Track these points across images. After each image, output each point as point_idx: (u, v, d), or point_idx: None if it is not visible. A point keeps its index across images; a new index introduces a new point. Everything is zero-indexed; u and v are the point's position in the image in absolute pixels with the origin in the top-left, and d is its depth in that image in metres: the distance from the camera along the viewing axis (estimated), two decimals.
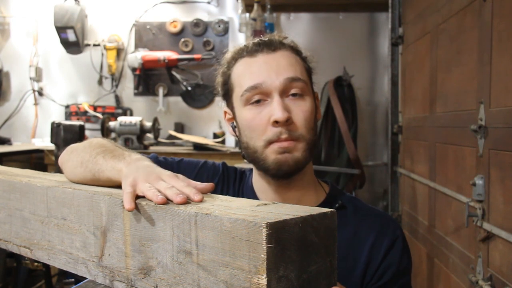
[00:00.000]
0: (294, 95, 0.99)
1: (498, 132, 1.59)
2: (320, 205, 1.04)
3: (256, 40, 1.05)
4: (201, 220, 0.63)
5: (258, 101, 0.99)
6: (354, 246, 1.00)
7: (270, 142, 0.98)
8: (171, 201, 0.70)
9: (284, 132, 0.97)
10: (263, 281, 0.56)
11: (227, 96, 1.07)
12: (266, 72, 0.99)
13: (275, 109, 0.96)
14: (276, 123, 0.96)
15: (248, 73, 1.01)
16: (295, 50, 1.05)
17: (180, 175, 0.77)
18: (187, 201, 0.70)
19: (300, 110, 0.99)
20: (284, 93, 0.98)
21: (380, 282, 0.98)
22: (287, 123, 0.97)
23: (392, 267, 0.99)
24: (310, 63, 1.08)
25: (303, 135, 0.98)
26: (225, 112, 1.11)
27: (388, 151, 3.19)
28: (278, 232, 0.57)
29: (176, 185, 0.74)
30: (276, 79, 0.98)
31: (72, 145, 1.03)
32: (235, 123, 1.07)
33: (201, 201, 0.70)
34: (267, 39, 1.04)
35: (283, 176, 1.01)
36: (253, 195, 1.08)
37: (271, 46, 1.02)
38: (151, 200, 0.71)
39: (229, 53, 1.08)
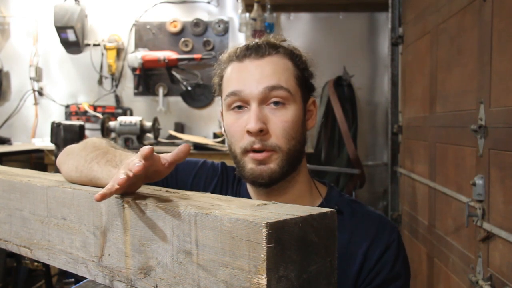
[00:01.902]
0: (276, 103, 0.98)
1: (498, 132, 1.59)
2: None
3: (248, 43, 1.04)
4: (201, 220, 0.63)
5: (240, 107, 1.00)
6: (349, 251, 0.99)
7: (246, 150, 0.99)
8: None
9: (257, 142, 0.97)
10: (263, 281, 0.56)
11: (221, 96, 1.09)
12: (247, 80, 0.99)
13: (249, 119, 0.97)
14: (249, 132, 0.97)
15: (232, 79, 1.02)
16: (289, 54, 1.03)
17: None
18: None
19: (279, 120, 0.98)
20: (263, 101, 0.98)
21: (371, 285, 0.97)
22: (261, 133, 0.96)
23: (384, 271, 0.97)
24: (310, 68, 1.06)
25: (279, 145, 0.98)
26: (221, 112, 1.11)
27: (388, 151, 3.19)
28: (278, 232, 0.57)
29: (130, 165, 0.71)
30: (255, 88, 0.98)
31: (69, 147, 1.03)
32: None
33: (139, 171, 0.68)
34: (260, 42, 1.03)
35: (260, 186, 1.01)
36: (248, 198, 1.08)
37: (259, 52, 1.01)
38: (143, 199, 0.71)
39: (224, 54, 1.08)
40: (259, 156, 0.97)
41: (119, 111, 3.83)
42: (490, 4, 1.65)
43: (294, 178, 1.03)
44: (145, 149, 0.71)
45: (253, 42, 1.04)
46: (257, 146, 0.97)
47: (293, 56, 1.04)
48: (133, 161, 0.70)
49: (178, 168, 1.11)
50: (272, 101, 0.98)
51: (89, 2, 3.85)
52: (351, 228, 1.01)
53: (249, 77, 0.99)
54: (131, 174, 0.68)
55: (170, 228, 0.68)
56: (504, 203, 1.54)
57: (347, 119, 3.41)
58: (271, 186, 1.01)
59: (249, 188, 1.09)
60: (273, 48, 1.02)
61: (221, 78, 1.07)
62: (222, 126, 1.11)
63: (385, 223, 1.03)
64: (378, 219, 1.03)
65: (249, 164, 0.99)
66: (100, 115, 3.73)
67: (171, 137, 3.66)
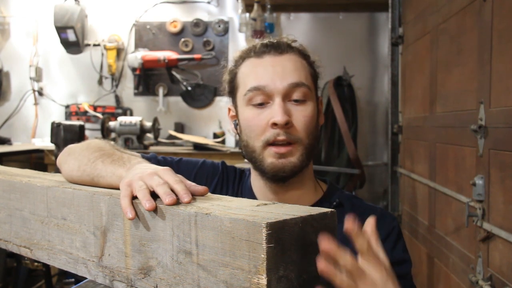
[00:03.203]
0: (296, 100, 1.00)
1: (498, 132, 1.59)
2: (317, 203, 1.06)
3: (265, 41, 1.06)
4: (201, 220, 0.63)
5: (261, 104, 1.01)
6: (349, 241, 0.99)
7: (268, 143, 0.99)
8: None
9: (282, 134, 0.98)
10: (263, 281, 0.56)
11: (232, 94, 1.09)
12: (270, 75, 1.00)
13: (275, 112, 0.98)
14: (275, 125, 0.98)
15: (253, 74, 1.03)
16: (302, 54, 1.06)
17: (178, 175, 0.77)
18: (177, 202, 0.69)
19: (301, 115, 1.00)
20: (286, 97, 1.00)
21: None
22: (286, 126, 0.98)
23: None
24: (317, 68, 1.09)
25: (301, 139, 1.00)
26: (229, 109, 1.12)
27: (388, 151, 3.19)
28: (278, 232, 0.57)
29: (169, 179, 0.73)
30: (280, 83, 0.99)
31: (70, 146, 1.03)
32: (237, 121, 1.08)
33: (189, 202, 0.70)
34: (275, 41, 1.05)
35: (279, 180, 1.02)
36: (251, 196, 1.08)
37: (279, 49, 1.03)
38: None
39: (237, 52, 1.09)
40: (282, 149, 0.99)
41: (119, 111, 3.83)
42: (490, 4, 1.65)
43: (303, 174, 1.05)
44: (203, 190, 0.75)
45: (270, 40, 1.06)
46: (281, 137, 0.98)
47: (305, 55, 1.07)
48: (197, 188, 0.74)
49: (179, 169, 1.11)
50: (294, 97, 1.00)
51: (89, 2, 3.85)
52: None
53: (272, 72, 1.01)
54: (184, 200, 0.70)
55: (170, 228, 0.68)
56: (504, 203, 1.54)
57: (347, 119, 3.41)
58: (289, 179, 1.02)
59: (255, 184, 1.09)
60: (290, 47, 1.05)
61: (234, 75, 1.07)
62: (232, 122, 1.10)
63: (384, 214, 1.05)
64: (379, 211, 1.05)
65: (269, 158, 1.00)
66: (100, 115, 3.73)
67: (171, 137, 3.66)
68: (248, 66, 1.05)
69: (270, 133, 0.99)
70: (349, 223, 0.65)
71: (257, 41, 1.07)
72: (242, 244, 0.58)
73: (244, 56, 1.06)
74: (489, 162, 1.64)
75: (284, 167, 0.99)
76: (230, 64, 1.10)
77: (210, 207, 0.66)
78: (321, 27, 3.82)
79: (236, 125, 1.09)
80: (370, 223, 0.72)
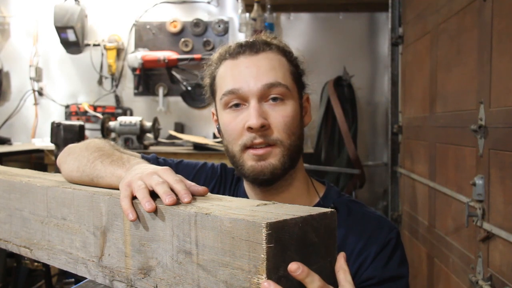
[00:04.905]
0: (274, 99, 0.97)
1: (498, 132, 1.59)
2: None
3: (240, 41, 1.03)
4: (201, 220, 0.63)
5: (237, 105, 0.98)
6: (342, 250, 0.97)
7: (245, 147, 0.97)
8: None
9: (259, 137, 0.95)
10: (263, 281, 0.56)
11: (213, 97, 1.07)
12: (245, 77, 0.97)
13: (250, 115, 0.95)
14: (250, 129, 0.95)
15: (228, 77, 1.00)
16: (282, 51, 1.02)
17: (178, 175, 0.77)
18: (177, 202, 0.69)
19: (280, 115, 0.97)
20: (262, 98, 0.97)
21: (366, 283, 0.94)
22: (262, 129, 0.95)
23: (379, 272, 0.93)
24: (301, 64, 1.05)
25: (280, 140, 0.96)
26: (213, 113, 1.10)
27: (388, 151, 3.19)
28: (278, 232, 0.57)
29: (169, 179, 0.73)
30: (254, 85, 0.96)
31: (70, 146, 1.03)
32: (219, 125, 1.06)
33: (189, 202, 0.69)
34: (251, 40, 1.02)
35: (261, 184, 1.00)
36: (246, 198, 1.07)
37: (254, 48, 1.00)
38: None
39: (215, 54, 1.06)
40: (260, 151, 0.96)
41: (119, 111, 3.83)
42: (490, 4, 1.65)
43: (291, 176, 1.02)
44: (203, 190, 0.75)
45: (246, 40, 1.03)
46: (258, 140, 0.95)
47: (285, 52, 1.03)
48: (197, 188, 0.75)
49: (178, 170, 1.10)
50: (271, 97, 0.97)
51: (89, 2, 3.85)
52: (345, 228, 0.98)
53: (246, 74, 0.98)
54: (184, 200, 0.70)
55: (170, 228, 0.68)
56: (504, 203, 1.54)
57: (347, 119, 3.41)
58: (272, 183, 0.99)
59: (247, 188, 1.08)
60: (267, 45, 1.01)
61: (213, 78, 1.05)
62: (216, 127, 1.08)
63: (382, 224, 1.00)
64: (376, 220, 1.00)
65: (249, 161, 0.97)
66: (100, 115, 3.73)
67: (171, 137, 3.66)
68: (224, 69, 1.02)
69: (247, 137, 0.96)
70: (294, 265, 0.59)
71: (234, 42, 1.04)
72: (242, 244, 0.58)
73: (221, 58, 1.03)
74: (489, 162, 1.64)
75: (263, 170, 0.96)
76: (209, 66, 1.06)
77: (210, 207, 0.66)
78: (321, 27, 3.82)
79: (219, 130, 1.06)
80: (340, 260, 0.67)
